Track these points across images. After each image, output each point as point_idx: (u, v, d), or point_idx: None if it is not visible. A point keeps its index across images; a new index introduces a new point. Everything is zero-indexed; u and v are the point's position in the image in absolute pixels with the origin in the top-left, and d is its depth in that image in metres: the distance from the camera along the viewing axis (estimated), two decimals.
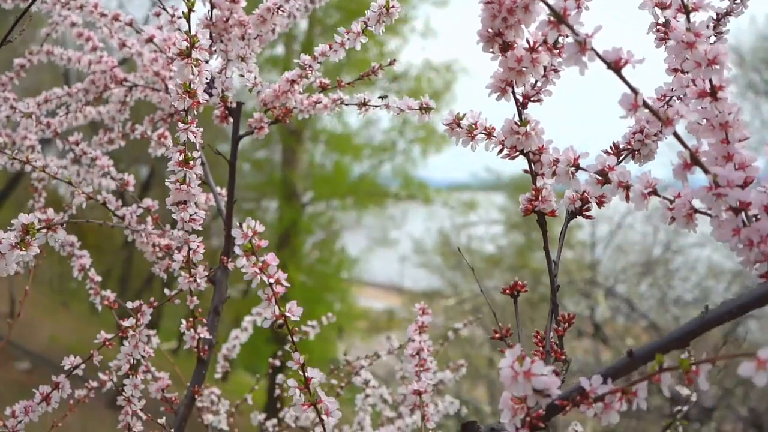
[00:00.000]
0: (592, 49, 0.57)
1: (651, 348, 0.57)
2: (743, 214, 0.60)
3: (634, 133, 0.79)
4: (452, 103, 10.20)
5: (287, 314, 0.72)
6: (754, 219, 0.60)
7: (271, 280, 0.71)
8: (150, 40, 1.13)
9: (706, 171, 0.58)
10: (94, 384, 1.24)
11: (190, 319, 1.07)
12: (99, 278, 1.18)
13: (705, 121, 0.65)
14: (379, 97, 1.01)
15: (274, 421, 1.45)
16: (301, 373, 0.74)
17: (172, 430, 1.03)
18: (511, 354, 0.57)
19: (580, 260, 8.31)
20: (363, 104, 1.06)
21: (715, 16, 0.85)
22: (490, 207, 11.27)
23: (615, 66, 0.58)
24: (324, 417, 0.74)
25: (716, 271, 6.93)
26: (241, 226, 0.70)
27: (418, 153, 11.73)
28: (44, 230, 0.75)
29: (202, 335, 1.08)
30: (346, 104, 1.08)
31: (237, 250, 0.70)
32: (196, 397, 1.10)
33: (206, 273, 1.02)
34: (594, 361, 7.11)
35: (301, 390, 0.73)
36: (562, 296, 7.27)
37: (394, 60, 1.12)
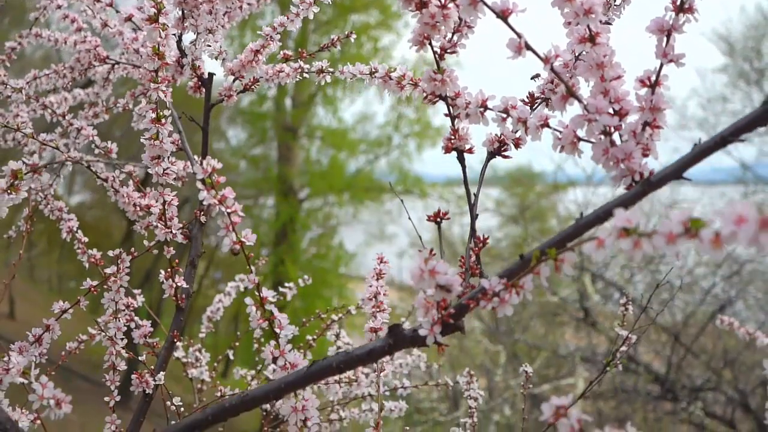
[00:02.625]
0: (482, 1, 0.68)
1: (535, 249, 0.68)
2: (615, 137, 0.71)
3: (546, 84, 0.90)
4: None
5: (243, 240, 0.83)
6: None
7: (229, 210, 0.81)
8: (129, 19, 1.23)
9: (580, 101, 0.70)
10: (84, 337, 1.35)
11: (168, 269, 1.18)
12: (86, 239, 1.28)
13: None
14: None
15: (253, 372, 1.56)
16: (257, 293, 0.85)
17: (152, 367, 1.15)
18: (419, 257, 0.69)
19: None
20: (321, 71, 1.18)
21: None
22: (487, 200, 11.39)
23: (503, 15, 0.69)
24: (277, 331, 0.85)
25: (704, 256, 7.04)
26: (201, 164, 0.81)
27: (414, 148, 11.86)
28: (30, 174, 0.86)
29: (179, 284, 1.19)
30: (307, 72, 1.19)
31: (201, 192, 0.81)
32: (175, 341, 1.21)
33: (181, 225, 1.13)
34: (587, 346, 7.23)
35: (256, 307, 0.84)
36: (555, 283, 7.37)
37: (351, 32, 1.24)
